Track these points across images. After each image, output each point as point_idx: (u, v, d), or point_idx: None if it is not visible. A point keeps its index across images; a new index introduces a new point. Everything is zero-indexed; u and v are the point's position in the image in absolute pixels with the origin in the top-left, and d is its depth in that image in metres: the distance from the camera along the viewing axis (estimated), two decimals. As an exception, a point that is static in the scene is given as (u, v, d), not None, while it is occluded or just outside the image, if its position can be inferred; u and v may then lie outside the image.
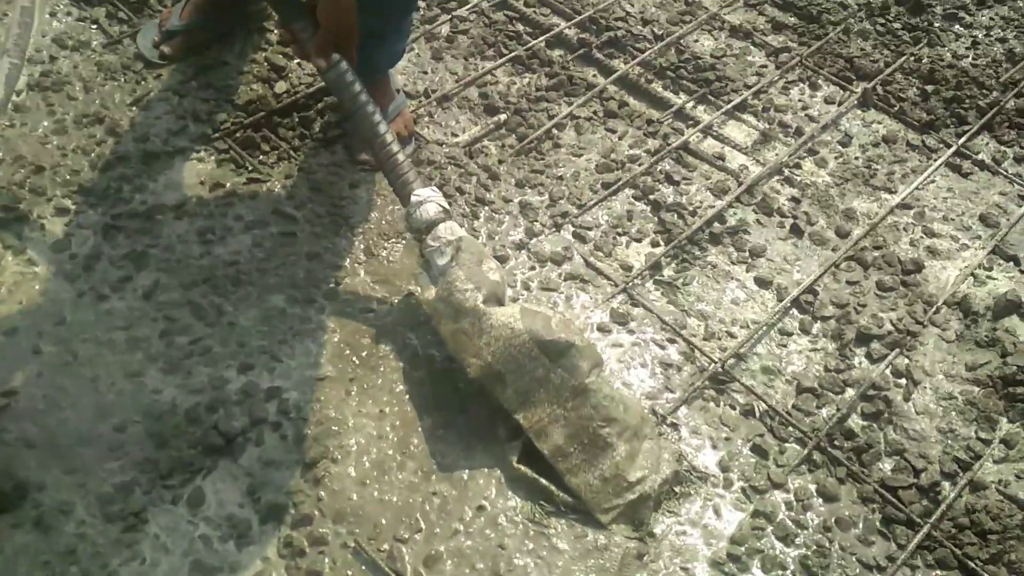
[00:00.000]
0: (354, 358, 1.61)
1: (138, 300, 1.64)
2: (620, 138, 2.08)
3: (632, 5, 2.42)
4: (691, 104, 2.18)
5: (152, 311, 1.63)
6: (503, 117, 2.09)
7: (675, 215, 1.92)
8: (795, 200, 1.99)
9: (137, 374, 1.54)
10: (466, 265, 1.50)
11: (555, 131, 2.06)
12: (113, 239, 1.73)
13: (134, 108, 1.96)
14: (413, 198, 1.56)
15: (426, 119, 2.07)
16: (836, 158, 2.10)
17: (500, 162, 1.97)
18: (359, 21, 1.55)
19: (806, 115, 2.19)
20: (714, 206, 1.95)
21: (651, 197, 1.95)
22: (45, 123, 1.90)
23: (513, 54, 2.23)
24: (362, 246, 1.78)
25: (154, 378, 1.54)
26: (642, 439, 1.48)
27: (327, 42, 1.53)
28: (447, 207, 1.58)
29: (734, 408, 1.62)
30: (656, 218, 1.92)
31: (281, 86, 2.05)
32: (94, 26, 2.13)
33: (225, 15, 2.09)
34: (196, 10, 2.04)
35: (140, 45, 2.07)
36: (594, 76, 2.23)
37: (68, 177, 1.81)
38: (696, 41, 2.35)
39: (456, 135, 2.05)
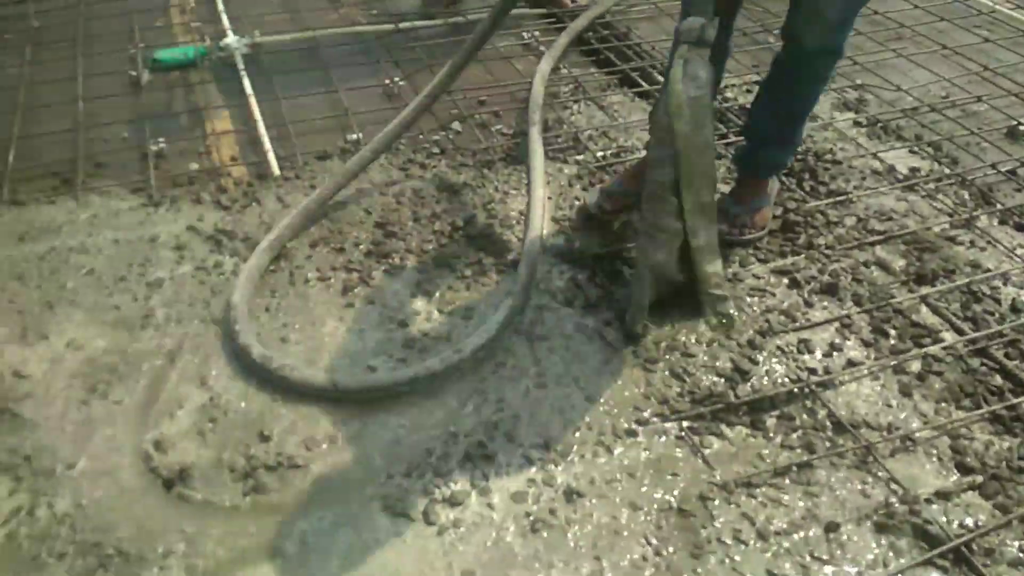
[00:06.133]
0: None
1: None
2: None
3: None
4: None
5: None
6: (979, 479, 1.86)
7: None
8: None
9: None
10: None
11: (1043, 516, 1.79)
12: (572, 502, 1.73)
13: (606, 378, 2.02)
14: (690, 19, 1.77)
15: (887, 456, 1.90)
16: None
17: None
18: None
19: None
20: None
21: None
22: (532, 370, 2.02)
23: (992, 408, 2.03)
24: None
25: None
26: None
27: None
28: None
29: None
30: None
31: (743, 389, 2.02)
32: (578, 288, 2.29)
33: None
34: (630, 179, 2.42)
35: (588, 200, 2.46)
36: (1092, 457, 1.94)
37: (537, 429, 1.88)
38: None
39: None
